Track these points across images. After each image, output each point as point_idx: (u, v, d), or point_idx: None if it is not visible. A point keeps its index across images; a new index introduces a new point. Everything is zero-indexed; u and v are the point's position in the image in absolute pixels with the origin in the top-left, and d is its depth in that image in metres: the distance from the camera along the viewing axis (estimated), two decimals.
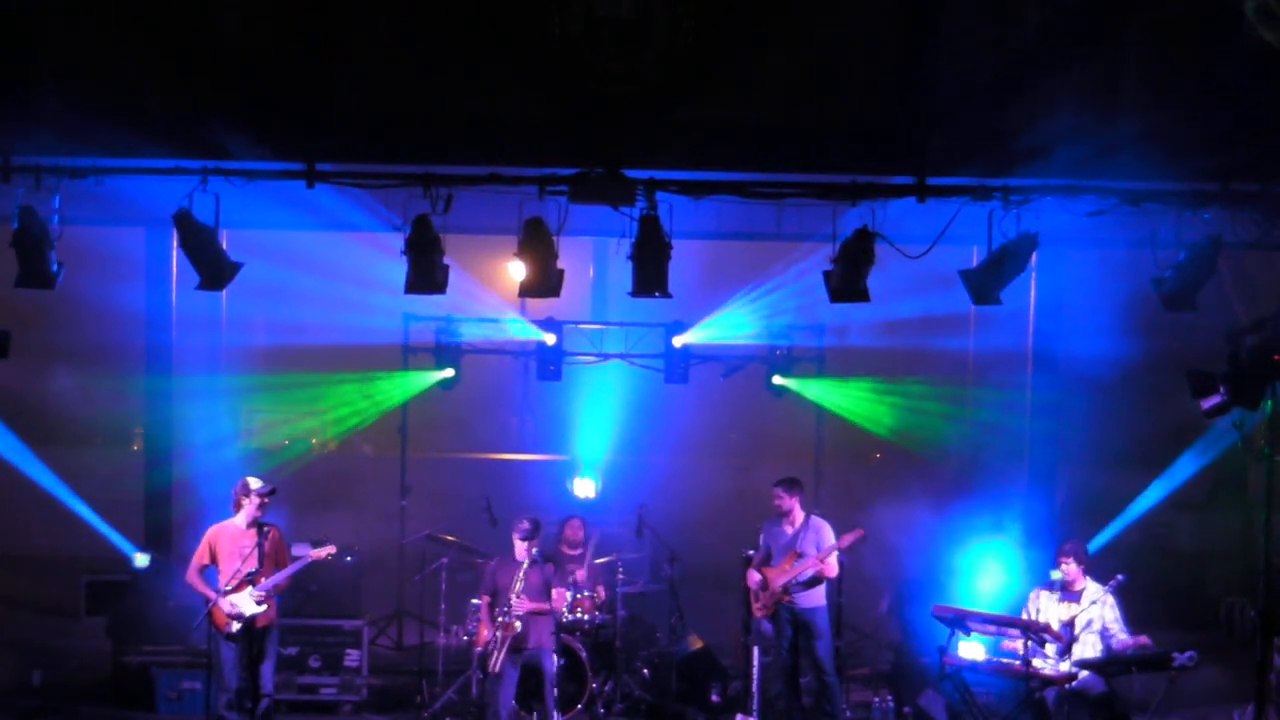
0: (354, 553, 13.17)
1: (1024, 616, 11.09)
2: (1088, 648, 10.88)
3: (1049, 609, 11.05)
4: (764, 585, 11.92)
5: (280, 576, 11.11)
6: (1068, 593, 11.08)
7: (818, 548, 11.75)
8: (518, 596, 11.42)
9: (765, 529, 12.11)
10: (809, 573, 11.72)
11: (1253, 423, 11.33)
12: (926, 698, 11.84)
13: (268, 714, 11.24)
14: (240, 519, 11.16)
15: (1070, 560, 11.07)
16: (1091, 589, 11.05)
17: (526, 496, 14.75)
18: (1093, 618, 10.93)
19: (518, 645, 11.42)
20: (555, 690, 11.52)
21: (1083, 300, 13.62)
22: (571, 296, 12.20)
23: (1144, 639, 10.81)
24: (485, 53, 10.68)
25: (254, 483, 11.17)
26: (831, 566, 11.80)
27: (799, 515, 11.87)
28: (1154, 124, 10.34)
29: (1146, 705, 10.86)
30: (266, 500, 11.13)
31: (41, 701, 12.66)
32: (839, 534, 11.77)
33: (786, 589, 11.77)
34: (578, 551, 13.14)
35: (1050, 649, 10.84)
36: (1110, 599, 10.98)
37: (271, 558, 11.12)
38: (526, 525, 11.61)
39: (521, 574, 11.49)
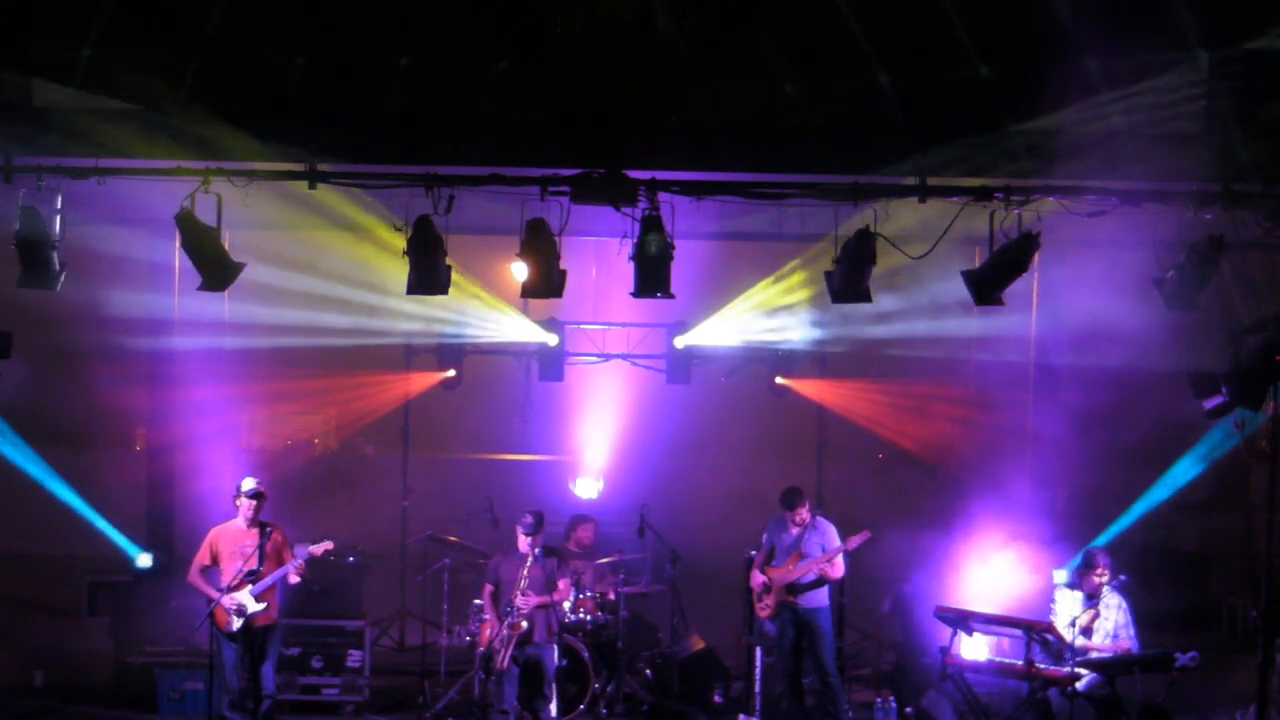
0: (356, 553, 13.16)
1: (1052, 617, 11.08)
2: (1103, 650, 10.92)
3: (1076, 612, 11.00)
4: (767, 586, 11.92)
5: (277, 574, 11.10)
6: (1091, 598, 11.10)
7: (822, 549, 11.76)
8: (523, 594, 11.43)
9: (770, 528, 12.11)
10: (813, 573, 11.73)
11: (1255, 423, 11.33)
12: (929, 698, 11.85)
13: (270, 714, 11.24)
14: (240, 519, 11.19)
15: (1106, 572, 11.07)
16: (1104, 591, 11.08)
17: (528, 497, 14.70)
18: (1104, 620, 10.97)
19: (522, 640, 11.44)
20: (555, 685, 11.53)
21: (1084, 300, 13.60)
22: (573, 297, 12.20)
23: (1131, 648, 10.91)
24: (486, 53, 10.68)
25: (246, 484, 11.19)
26: (839, 566, 11.80)
27: (806, 517, 11.89)
28: (1155, 124, 10.34)
29: (1149, 706, 10.86)
30: (256, 503, 11.14)
31: (43, 702, 12.67)
32: (844, 536, 11.79)
33: (791, 589, 11.77)
34: (586, 549, 13.16)
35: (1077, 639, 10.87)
36: (1120, 601, 11.03)
37: (274, 557, 11.13)
38: (530, 519, 11.57)
39: (526, 570, 11.49)
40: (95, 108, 10.53)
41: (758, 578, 12.02)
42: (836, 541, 11.79)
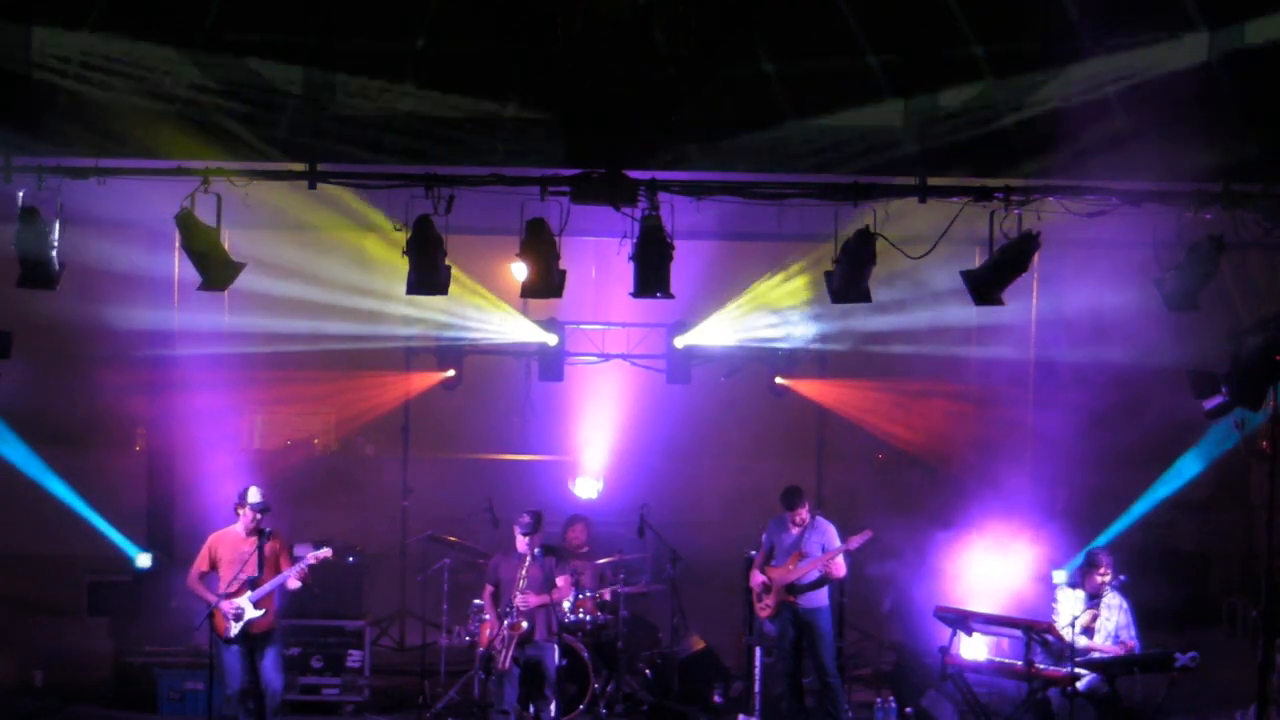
0: (356, 553, 13.16)
1: (1054, 616, 11.09)
2: (1103, 649, 10.94)
3: (1082, 614, 11.02)
4: (767, 586, 11.91)
5: (276, 581, 11.07)
6: (1094, 597, 11.11)
7: (823, 549, 11.76)
8: (521, 593, 11.45)
9: (770, 528, 12.10)
10: (814, 574, 11.72)
11: (1254, 423, 11.34)
12: (929, 699, 11.85)
13: (275, 712, 11.23)
14: (239, 526, 11.15)
15: (1109, 571, 11.09)
16: (1105, 592, 11.10)
17: (528, 497, 14.71)
18: (1107, 621, 10.99)
19: (522, 640, 11.45)
20: (554, 683, 11.53)
21: (1084, 300, 13.61)
22: (573, 297, 12.20)
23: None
24: (487, 53, 10.68)
25: (252, 495, 11.13)
26: (840, 566, 11.80)
27: (806, 517, 11.89)
28: (1155, 124, 10.34)
29: (1149, 706, 10.87)
30: (261, 516, 11.12)
31: (43, 702, 12.67)
32: (845, 536, 11.78)
33: (791, 589, 11.76)
34: (583, 551, 13.16)
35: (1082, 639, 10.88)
36: (1123, 602, 11.05)
37: (272, 563, 11.09)
38: (528, 519, 11.61)
39: (524, 569, 11.52)
40: (95, 104, 10.52)
41: (757, 577, 12.01)
42: (837, 542, 11.78)
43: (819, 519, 11.96)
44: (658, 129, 10.68)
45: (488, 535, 13.53)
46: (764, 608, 12.00)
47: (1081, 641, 10.79)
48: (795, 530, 11.88)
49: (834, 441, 15.96)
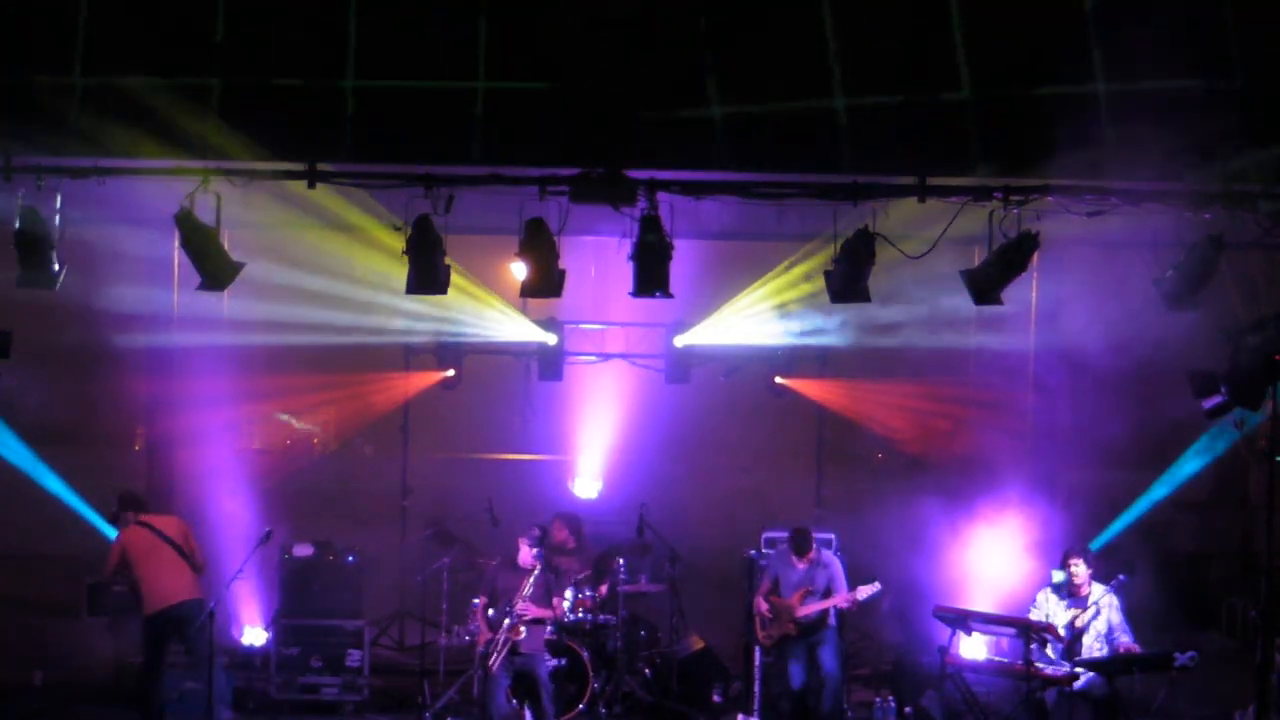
0: (355, 553, 13.17)
1: (1031, 618, 11.09)
2: (1093, 651, 10.90)
3: (1057, 613, 11.05)
4: (774, 616, 11.86)
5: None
6: (1074, 597, 11.09)
7: (829, 584, 11.72)
8: (524, 600, 11.48)
9: (773, 560, 12.10)
10: (818, 611, 11.69)
11: (1254, 422, 11.34)
12: (928, 698, 11.85)
13: None
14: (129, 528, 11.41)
15: (1079, 562, 11.08)
16: (1096, 591, 11.07)
17: (528, 497, 14.74)
18: (1097, 620, 10.95)
19: (514, 649, 11.47)
20: (551, 692, 11.54)
21: (1084, 300, 13.61)
22: (572, 297, 12.20)
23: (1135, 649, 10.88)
24: (487, 52, 10.67)
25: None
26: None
27: (814, 556, 11.85)
28: (1154, 124, 10.34)
29: (1147, 705, 10.87)
30: None
31: (43, 702, 12.68)
32: (845, 546, 11.76)
33: (796, 624, 11.74)
34: (569, 548, 13.13)
35: (1051, 651, 10.88)
36: (1114, 600, 11.01)
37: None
38: (536, 533, 11.76)
39: (531, 580, 11.56)
40: (95, 105, 10.52)
41: (762, 605, 11.96)
42: (843, 580, 11.74)
43: (825, 554, 11.96)
44: (658, 129, 10.65)
45: (487, 536, 13.53)
46: (766, 638, 11.97)
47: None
48: (802, 566, 11.83)
49: (834, 441, 15.96)
